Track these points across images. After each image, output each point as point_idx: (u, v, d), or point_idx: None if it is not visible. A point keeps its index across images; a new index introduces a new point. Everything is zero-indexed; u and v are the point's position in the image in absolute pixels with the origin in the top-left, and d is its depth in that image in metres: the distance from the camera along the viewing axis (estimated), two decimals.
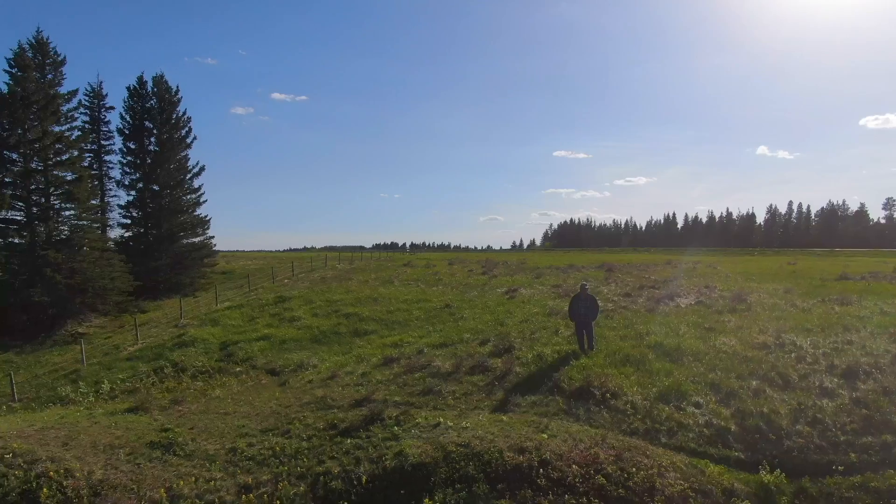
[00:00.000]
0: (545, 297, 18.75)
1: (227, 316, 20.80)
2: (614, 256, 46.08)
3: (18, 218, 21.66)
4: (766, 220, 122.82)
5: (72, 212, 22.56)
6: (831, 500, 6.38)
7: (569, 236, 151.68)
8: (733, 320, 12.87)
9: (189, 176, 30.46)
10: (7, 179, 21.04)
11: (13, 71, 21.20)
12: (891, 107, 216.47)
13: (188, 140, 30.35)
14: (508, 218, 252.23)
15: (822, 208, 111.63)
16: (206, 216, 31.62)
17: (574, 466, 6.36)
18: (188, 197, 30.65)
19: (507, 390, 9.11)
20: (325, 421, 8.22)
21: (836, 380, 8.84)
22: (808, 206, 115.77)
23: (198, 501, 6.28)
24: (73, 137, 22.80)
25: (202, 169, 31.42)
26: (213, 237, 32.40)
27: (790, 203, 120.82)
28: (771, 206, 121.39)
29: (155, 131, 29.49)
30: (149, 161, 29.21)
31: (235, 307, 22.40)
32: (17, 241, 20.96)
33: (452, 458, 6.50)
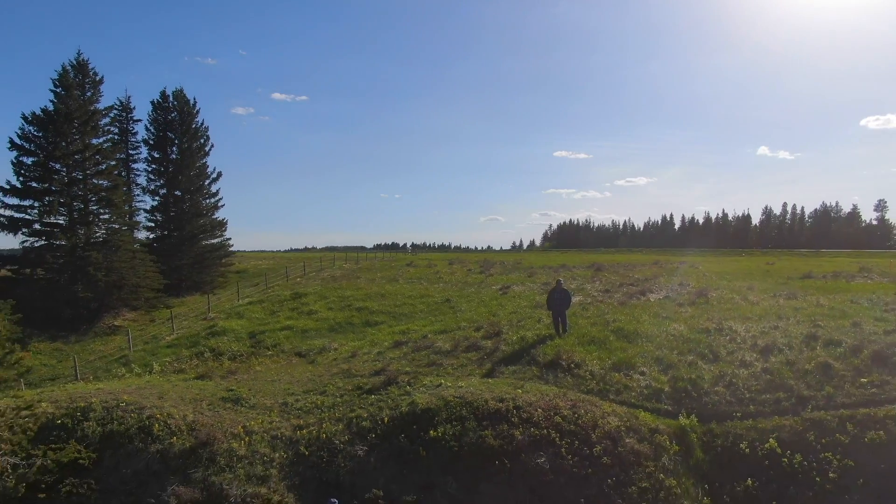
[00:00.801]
0: (534, 293, 21.07)
1: (249, 310, 23.17)
2: (606, 257, 48.35)
3: (61, 222, 24.06)
4: (761, 221, 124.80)
5: (108, 216, 24.95)
6: (727, 435, 8.73)
7: (568, 237, 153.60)
8: (689, 311, 15.20)
9: (208, 182, 32.93)
10: (53, 188, 23.46)
11: (58, 90, 23.61)
12: (891, 107, 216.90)
13: (206, 148, 32.86)
14: (509, 218, 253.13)
15: (816, 210, 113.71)
16: (223, 219, 34.12)
17: (539, 410, 8.72)
18: (207, 201, 33.11)
19: (494, 363, 11.47)
20: (352, 384, 10.59)
21: (754, 355, 11.15)
22: (802, 208, 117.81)
23: (265, 435, 8.66)
24: (109, 149, 25.19)
25: (219, 175, 33.91)
26: (229, 238, 34.92)
27: (784, 204, 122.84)
28: (766, 207, 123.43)
29: (176, 141, 31.93)
30: (171, 169, 31.65)
31: (256, 302, 24.76)
32: (60, 242, 23.33)
33: (451, 404, 8.87)
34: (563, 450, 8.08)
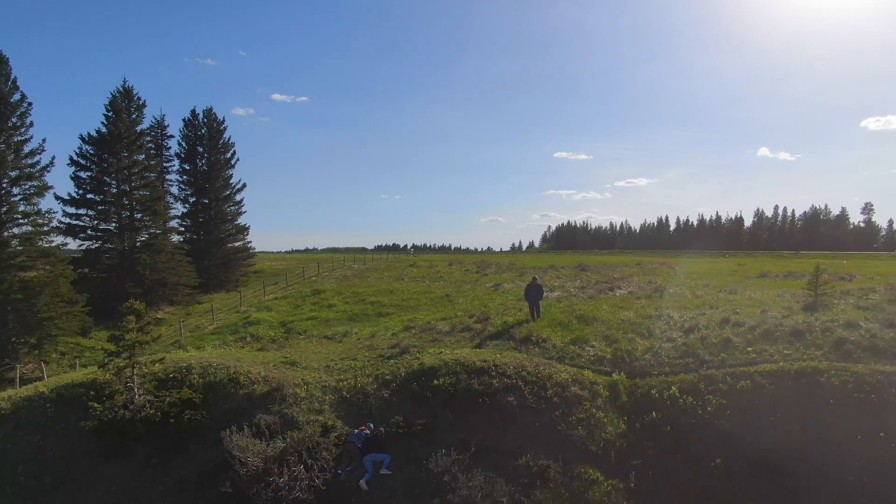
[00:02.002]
0: (521, 289, 24.43)
1: (276, 304, 26.77)
2: (594, 258, 51.86)
3: (111, 228, 27.66)
4: (753, 223, 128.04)
5: (151, 223, 28.56)
6: (645, 386, 12.27)
7: (565, 238, 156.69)
8: (643, 302, 18.74)
9: (232, 192, 36.59)
10: (106, 199, 27.10)
11: (109, 114, 27.26)
12: (892, 108, 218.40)
13: (232, 161, 36.53)
14: (509, 219, 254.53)
15: (805, 212, 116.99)
16: (245, 224, 37.79)
17: (511, 368, 12.30)
18: (232, 208, 36.76)
19: (482, 339, 15.05)
20: (375, 354, 14.19)
21: (679, 333, 14.69)
22: (793, 210, 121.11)
23: (317, 384, 12.25)
24: (150, 164, 28.87)
25: (244, 185, 37.62)
26: (250, 241, 38.59)
27: (776, 207, 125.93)
28: (758, 209, 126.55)
29: (205, 155, 35.58)
30: (200, 179, 35.28)
31: (281, 298, 28.36)
32: (111, 246, 26.94)
33: (448, 364, 12.45)
34: (526, 393, 11.65)
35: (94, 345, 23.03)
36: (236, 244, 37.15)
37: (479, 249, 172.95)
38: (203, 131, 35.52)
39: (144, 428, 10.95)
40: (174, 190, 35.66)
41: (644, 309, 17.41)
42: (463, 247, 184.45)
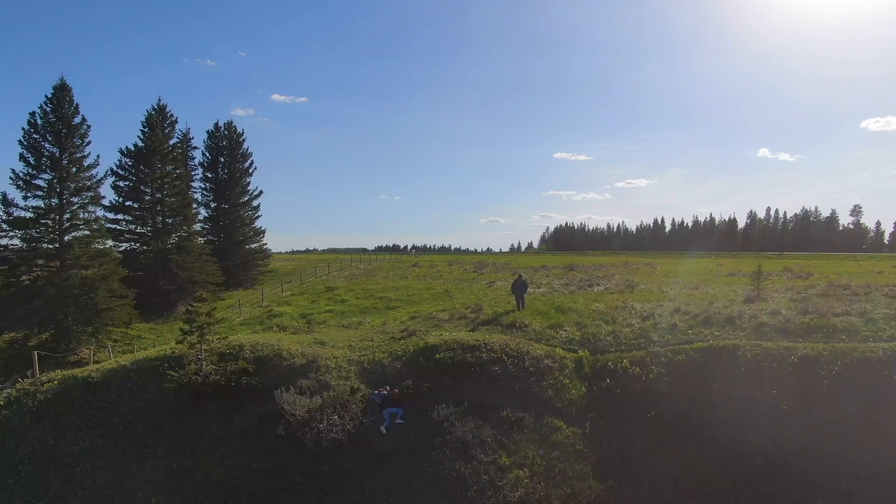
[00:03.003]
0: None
1: (294, 300, 29.99)
2: (585, 259, 55.08)
3: (146, 232, 30.93)
4: (746, 225, 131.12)
5: (181, 226, 31.81)
6: (604, 360, 15.45)
7: (563, 239, 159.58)
8: (614, 296, 21.91)
9: (250, 198, 39.90)
10: (144, 206, 30.37)
11: (145, 129, 30.52)
12: (892, 109, 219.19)
13: (250, 170, 39.89)
14: (509, 220, 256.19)
15: (796, 214, 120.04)
16: (262, 228, 41.14)
17: (497, 345, 15.50)
18: (249, 213, 40.08)
19: (475, 325, 18.25)
20: (388, 336, 17.41)
21: (637, 320, 17.86)
22: (785, 213, 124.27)
23: (344, 358, 15.46)
24: (180, 174, 32.17)
25: (260, 192, 41.01)
26: (266, 243, 41.87)
27: (768, 209, 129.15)
28: (751, 211, 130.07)
29: (226, 164, 38.86)
30: (221, 187, 38.56)
31: (297, 294, 31.58)
32: (146, 247, 30.21)
33: (447, 342, 15.66)
34: (508, 364, 14.84)
35: (139, 334, 26.31)
36: (253, 245, 40.46)
37: (479, 250, 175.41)
38: (224, 143, 38.84)
39: (212, 389, 14.14)
40: (198, 196, 39.02)
41: (613, 301, 20.60)
42: (463, 247, 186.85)
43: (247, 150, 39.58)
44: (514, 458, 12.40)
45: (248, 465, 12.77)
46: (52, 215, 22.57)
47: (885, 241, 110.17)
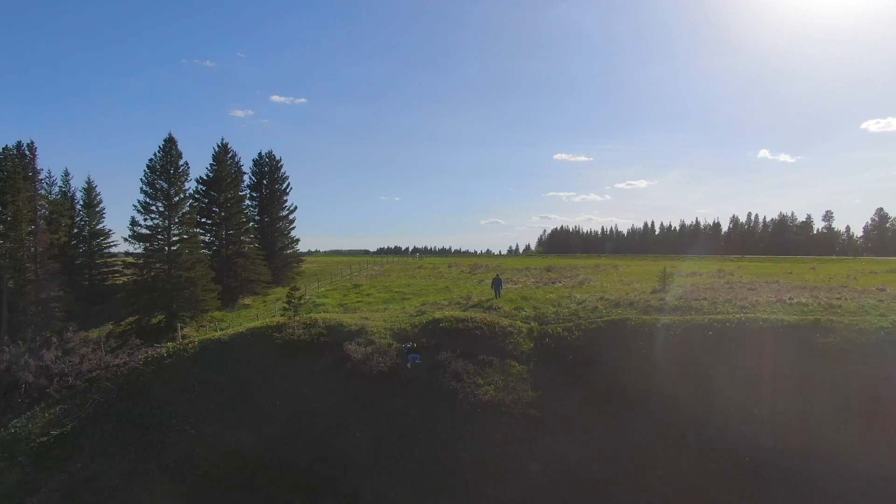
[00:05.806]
0: None
1: (329, 294, 38.90)
2: (568, 261, 63.90)
3: (215, 241, 40.00)
4: (729, 229, 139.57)
5: (240, 236, 40.77)
6: (548, 329, 24.31)
7: (558, 242, 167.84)
8: (567, 290, 30.74)
9: (287, 212, 49.10)
10: (216, 221, 39.42)
11: (213, 164, 39.60)
12: (892, 110, 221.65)
13: (287, 190, 49.16)
14: (509, 221, 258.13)
15: (773, 219, 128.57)
16: (296, 237, 50.32)
17: (479, 319, 24.41)
18: (286, 225, 49.19)
19: (466, 307, 27.15)
20: (407, 315, 26.38)
21: (574, 305, 26.66)
22: (763, 217, 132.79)
23: (382, 326, 24.43)
24: (239, 196, 41.31)
25: (295, 207, 50.37)
26: (299, 249, 50.87)
27: (749, 214, 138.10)
28: (733, 216, 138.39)
29: (268, 185, 47.92)
30: (264, 203, 47.59)
31: (330, 290, 40.49)
32: (216, 253, 39.25)
33: (447, 317, 24.60)
34: (485, 330, 23.66)
35: (219, 318, 35.22)
36: (289, 251, 49.50)
37: (479, 252, 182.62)
38: (266, 168, 47.95)
39: (302, 345, 23.01)
40: (247, 212, 48.07)
41: (563, 293, 29.46)
42: (463, 249, 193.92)
43: (284, 173, 48.85)
44: (486, 380, 21.24)
45: (328, 386, 21.65)
46: (163, 232, 31.58)
47: (857, 244, 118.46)
